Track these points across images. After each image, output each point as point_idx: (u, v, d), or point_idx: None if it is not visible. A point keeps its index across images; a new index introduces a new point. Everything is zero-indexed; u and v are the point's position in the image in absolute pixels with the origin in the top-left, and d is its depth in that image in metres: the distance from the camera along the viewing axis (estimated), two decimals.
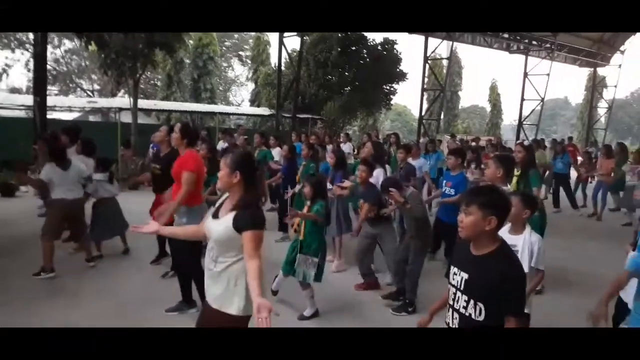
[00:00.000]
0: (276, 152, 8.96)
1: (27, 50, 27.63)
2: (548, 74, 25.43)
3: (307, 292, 4.58)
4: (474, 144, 15.35)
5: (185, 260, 4.43)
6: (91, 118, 20.60)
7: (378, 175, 5.79)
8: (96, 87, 33.02)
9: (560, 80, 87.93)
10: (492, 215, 2.13)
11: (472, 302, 2.17)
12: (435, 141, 12.30)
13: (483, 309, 2.13)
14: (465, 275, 2.22)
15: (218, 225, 2.65)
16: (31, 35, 11.20)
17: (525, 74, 26.15)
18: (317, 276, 4.48)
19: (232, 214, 2.60)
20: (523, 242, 3.27)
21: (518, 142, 10.78)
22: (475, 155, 9.44)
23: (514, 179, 6.15)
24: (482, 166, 8.99)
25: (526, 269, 3.15)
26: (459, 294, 2.25)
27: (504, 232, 3.23)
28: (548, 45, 24.85)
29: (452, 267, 2.34)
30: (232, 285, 2.62)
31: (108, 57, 12.39)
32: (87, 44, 12.91)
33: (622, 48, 28.63)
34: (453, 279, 2.31)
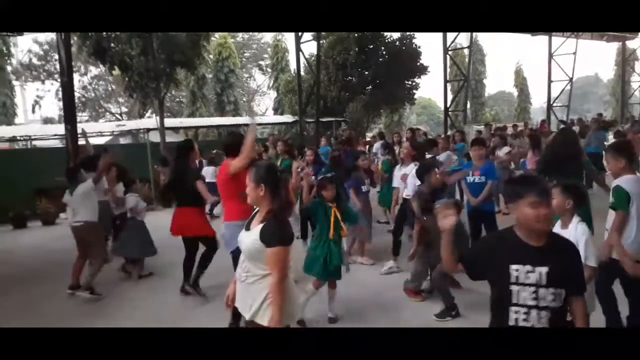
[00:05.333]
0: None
1: (56, 80, 28.57)
2: (574, 53, 24.72)
3: (333, 293, 4.59)
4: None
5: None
6: (122, 140, 21.11)
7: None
8: (124, 109, 33.87)
9: (588, 58, 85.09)
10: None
11: (556, 291, 2.13)
12: (463, 132, 12.05)
13: (564, 294, 2.15)
14: (545, 269, 2.12)
15: (248, 237, 2.69)
16: (58, 66, 11.62)
17: (551, 55, 25.47)
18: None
19: (260, 227, 2.63)
20: (568, 237, 2.94)
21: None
22: (503, 140, 9.30)
23: None
24: (509, 149, 8.84)
25: None
26: (542, 290, 2.12)
27: (557, 228, 3.07)
28: None
29: (516, 267, 2.15)
30: (266, 298, 2.63)
31: (131, 79, 12.70)
32: (111, 69, 13.29)
33: None
34: (527, 278, 2.14)
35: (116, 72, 14.00)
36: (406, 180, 5.81)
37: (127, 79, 12.98)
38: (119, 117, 32.72)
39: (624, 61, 31.26)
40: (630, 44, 30.42)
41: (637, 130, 10.27)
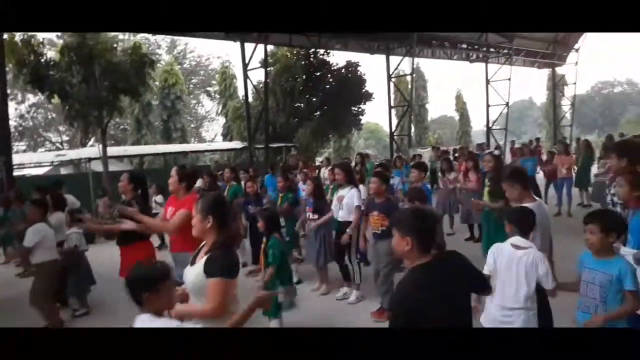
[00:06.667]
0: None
1: None
2: (509, 79, 26.13)
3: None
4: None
5: None
6: (62, 170, 20.28)
7: (352, 195, 5.81)
8: (65, 138, 32.63)
9: (522, 83, 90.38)
10: None
11: None
12: (403, 157, 12.55)
13: None
14: None
15: (192, 272, 2.55)
16: None
17: (487, 81, 26.83)
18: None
19: (205, 258, 2.50)
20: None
21: (487, 151, 10.97)
22: (449, 164, 9.66)
23: (486, 190, 6.23)
24: (454, 174, 9.20)
25: None
26: None
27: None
28: (506, 51, 25.60)
29: None
30: None
31: (72, 108, 12.29)
32: (50, 97, 12.82)
33: (576, 47, 29.61)
34: None
35: (55, 100, 13.52)
36: (342, 201, 5.84)
37: (67, 107, 12.54)
38: (59, 146, 31.47)
39: (554, 86, 33.26)
40: (560, 70, 32.48)
41: (561, 151, 10.83)
